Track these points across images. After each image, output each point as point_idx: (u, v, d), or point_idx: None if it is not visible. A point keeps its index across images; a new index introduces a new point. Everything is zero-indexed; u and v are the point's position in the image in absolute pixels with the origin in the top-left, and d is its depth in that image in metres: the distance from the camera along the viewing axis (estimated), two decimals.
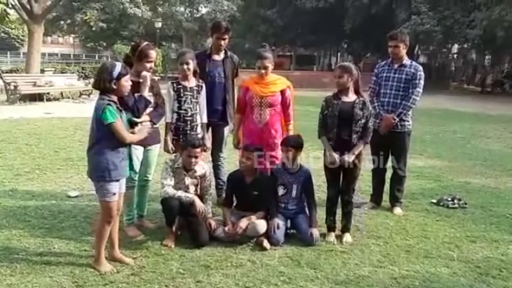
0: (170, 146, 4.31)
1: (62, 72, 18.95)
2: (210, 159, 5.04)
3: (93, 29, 37.21)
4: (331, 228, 4.32)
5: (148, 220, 4.47)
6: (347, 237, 4.23)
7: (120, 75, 3.32)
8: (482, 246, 4.23)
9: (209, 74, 4.68)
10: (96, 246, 3.52)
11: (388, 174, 5.30)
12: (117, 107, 3.29)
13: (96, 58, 42.24)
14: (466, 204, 5.40)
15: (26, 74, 15.78)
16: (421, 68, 5.03)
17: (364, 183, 5.62)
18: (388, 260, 3.85)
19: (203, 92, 4.44)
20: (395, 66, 5.04)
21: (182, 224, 4.16)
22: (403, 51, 5.00)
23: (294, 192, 4.29)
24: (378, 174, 5.26)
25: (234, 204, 4.46)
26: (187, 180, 4.13)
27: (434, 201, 5.51)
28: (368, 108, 4.11)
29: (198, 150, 4.06)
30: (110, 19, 35.98)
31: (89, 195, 5.11)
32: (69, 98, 15.84)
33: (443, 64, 36.45)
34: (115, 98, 3.34)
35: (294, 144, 4.24)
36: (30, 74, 15.63)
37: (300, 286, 3.37)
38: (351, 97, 4.11)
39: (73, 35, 46.86)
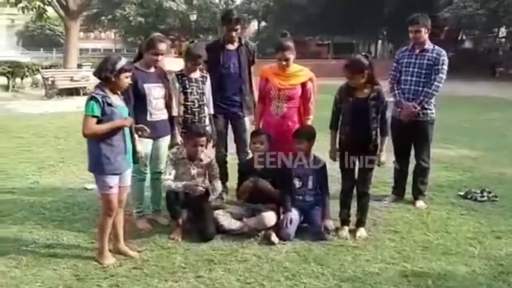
0: (179, 139, 4.24)
1: None
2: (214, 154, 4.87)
3: (132, 23, 38.03)
4: (345, 222, 4.14)
5: (163, 215, 4.37)
6: (361, 232, 4.04)
7: (122, 70, 3.31)
8: (508, 242, 3.94)
9: (224, 65, 4.55)
10: (99, 239, 3.52)
11: (412, 165, 5.05)
12: (108, 103, 3.25)
13: (137, 52, 43.10)
14: (496, 197, 5.07)
15: (64, 69, 16.23)
16: (444, 52, 4.73)
17: (386, 174, 5.37)
18: (401, 257, 3.64)
19: (208, 83, 4.35)
20: (417, 51, 4.76)
21: (190, 218, 4.10)
22: (424, 35, 4.71)
23: (310, 184, 4.15)
24: (399, 165, 5.00)
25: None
26: (193, 170, 4.06)
27: (462, 193, 5.20)
28: (383, 101, 3.86)
29: (203, 138, 3.99)
30: (148, 13, 36.62)
31: None
32: None
33: (489, 49, 34.78)
34: (109, 93, 3.30)
35: (306, 135, 4.08)
36: (67, 69, 16.05)
37: (303, 283, 3.24)
38: (365, 91, 3.87)
39: (114, 30, 47.96)
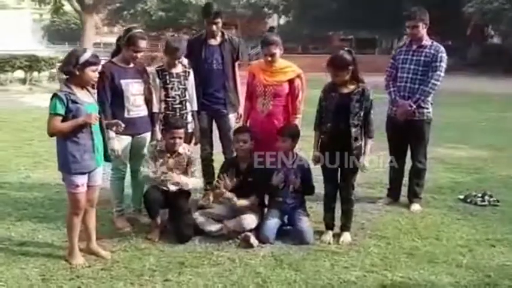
0: (159, 136, 4.12)
1: None
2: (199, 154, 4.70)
3: (153, 18, 38.20)
4: (329, 226, 3.96)
5: (144, 214, 4.21)
6: (345, 237, 3.86)
7: (87, 63, 3.19)
8: (501, 251, 3.71)
9: (206, 60, 4.41)
10: (68, 238, 3.45)
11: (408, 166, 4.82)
12: (72, 100, 3.15)
13: (159, 47, 43.36)
14: (498, 201, 4.81)
15: None
16: (442, 49, 4.48)
17: (384, 175, 5.14)
18: (383, 264, 3.45)
19: (191, 78, 4.22)
20: (414, 47, 4.53)
21: (171, 218, 4.00)
22: (422, 31, 4.48)
23: (292, 186, 3.97)
24: (395, 167, 4.78)
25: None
26: (171, 163, 3.94)
27: (462, 197, 4.95)
28: (368, 98, 3.66)
29: (181, 131, 3.87)
30: (169, 8, 36.67)
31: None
32: None
33: None
34: (76, 89, 3.20)
35: (289, 133, 3.92)
36: None
37: None
38: (349, 87, 3.68)
39: (136, 25, 48.34)
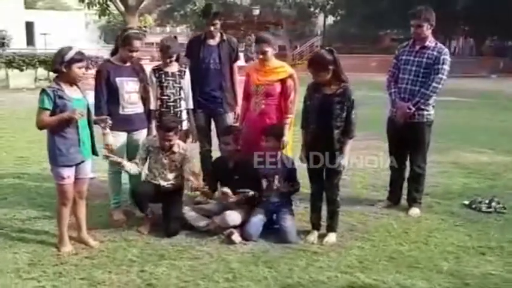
0: (155, 133, 4.27)
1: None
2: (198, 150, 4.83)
3: (201, 18, 38.97)
4: (315, 226, 3.96)
5: None
6: (329, 238, 3.84)
7: (72, 60, 3.36)
8: (490, 259, 3.57)
9: (204, 59, 4.52)
10: (58, 227, 3.65)
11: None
12: (60, 96, 3.33)
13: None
14: (505, 208, 4.61)
15: None
16: (446, 51, 4.33)
17: (381, 178, 5.06)
18: (360, 267, 3.42)
19: (187, 77, 4.33)
20: (417, 48, 4.41)
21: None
22: (426, 31, 4.34)
23: (276, 184, 4.01)
24: (394, 170, 4.70)
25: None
26: (165, 160, 4.06)
27: (467, 202, 4.78)
28: (349, 98, 3.61)
29: (171, 133, 3.94)
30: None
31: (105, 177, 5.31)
32: None
33: None
34: (64, 86, 3.38)
35: (273, 134, 3.95)
36: None
37: (240, 285, 3.14)
38: (332, 88, 3.65)
39: (186, 25, 49.45)
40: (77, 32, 25.85)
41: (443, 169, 6.16)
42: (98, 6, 17.05)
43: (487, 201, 4.70)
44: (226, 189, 3.96)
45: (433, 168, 6.10)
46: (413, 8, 4.50)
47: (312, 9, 35.16)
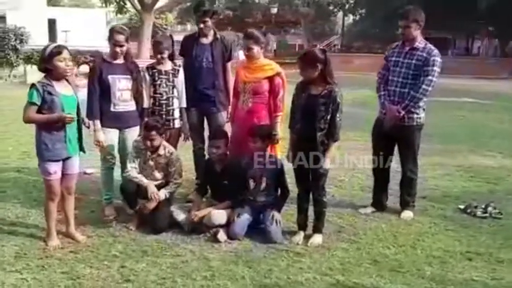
0: None
1: None
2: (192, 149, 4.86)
3: (221, 16, 39.09)
4: (300, 226, 3.95)
5: None
6: (315, 239, 3.83)
7: (52, 54, 3.39)
8: (476, 265, 3.50)
9: (196, 57, 4.53)
10: (46, 221, 3.72)
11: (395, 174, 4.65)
12: (48, 91, 3.39)
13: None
14: (501, 214, 4.51)
15: (136, 60, 17.17)
16: (436, 52, 4.23)
17: (392, 181, 4.91)
18: (341, 269, 3.40)
19: (180, 76, 4.36)
20: (406, 49, 4.32)
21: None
22: (414, 32, 4.25)
23: (263, 185, 4.01)
24: (378, 175, 4.62)
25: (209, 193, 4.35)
26: (151, 162, 4.11)
27: (462, 207, 4.69)
28: (335, 101, 3.58)
29: (153, 133, 3.95)
30: (235, 7, 37.42)
31: None
32: None
33: None
34: (54, 82, 3.44)
35: (260, 134, 3.95)
36: (140, 59, 16.96)
37: (217, 284, 3.16)
38: (318, 88, 3.63)
39: None
40: (98, 29, 26.14)
41: (446, 172, 6.07)
42: (114, 3, 17.20)
43: (483, 206, 4.60)
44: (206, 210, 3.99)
45: (436, 171, 6.05)
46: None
47: (331, 7, 34.89)
